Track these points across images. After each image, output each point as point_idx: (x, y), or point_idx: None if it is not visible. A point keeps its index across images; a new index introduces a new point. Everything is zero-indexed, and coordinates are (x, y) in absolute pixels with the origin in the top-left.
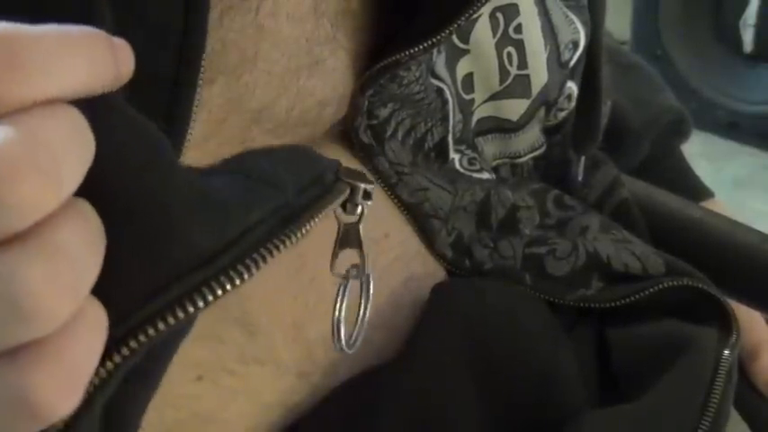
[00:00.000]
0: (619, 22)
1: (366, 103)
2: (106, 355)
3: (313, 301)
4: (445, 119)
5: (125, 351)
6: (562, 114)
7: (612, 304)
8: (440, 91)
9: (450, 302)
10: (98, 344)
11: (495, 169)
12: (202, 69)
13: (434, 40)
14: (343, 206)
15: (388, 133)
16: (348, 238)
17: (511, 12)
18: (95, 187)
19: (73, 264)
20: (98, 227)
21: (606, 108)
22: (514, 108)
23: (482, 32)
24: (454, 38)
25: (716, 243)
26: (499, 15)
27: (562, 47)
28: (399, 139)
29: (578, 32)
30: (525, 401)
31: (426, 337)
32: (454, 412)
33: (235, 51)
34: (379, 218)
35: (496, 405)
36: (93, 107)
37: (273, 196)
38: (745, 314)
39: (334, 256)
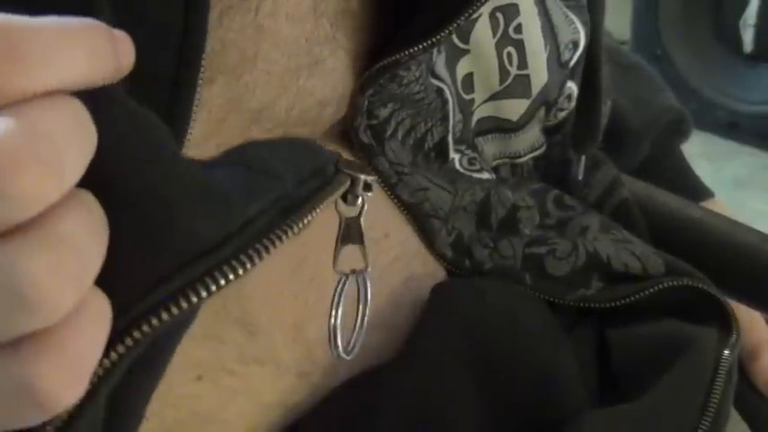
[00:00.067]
0: (619, 22)
1: (366, 102)
2: (110, 346)
3: (313, 300)
4: (445, 119)
5: (129, 342)
6: (562, 114)
7: (612, 304)
8: (440, 91)
9: (450, 302)
10: (102, 334)
11: (495, 169)
12: (202, 69)
13: (434, 39)
14: (344, 198)
15: (388, 133)
16: (349, 233)
17: (511, 12)
18: (97, 178)
19: (76, 254)
20: (101, 218)
21: (606, 108)
22: (514, 108)
23: (482, 32)
24: (454, 38)
25: (716, 243)
26: (499, 15)
27: (562, 47)
28: (399, 138)
29: (578, 32)
30: (525, 401)
31: (426, 337)
32: (454, 412)
33: (234, 51)
34: (380, 218)
35: (496, 405)
36: (94, 99)
37: (274, 187)
38: (745, 314)
39: (337, 252)
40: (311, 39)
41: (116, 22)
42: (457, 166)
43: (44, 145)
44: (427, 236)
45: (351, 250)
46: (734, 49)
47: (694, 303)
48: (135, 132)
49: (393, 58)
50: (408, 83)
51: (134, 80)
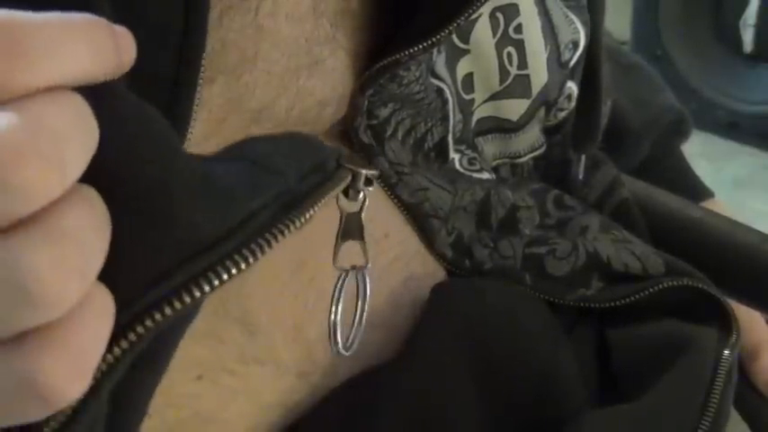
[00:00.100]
0: (619, 22)
1: (366, 102)
2: (113, 341)
3: (313, 300)
4: (445, 119)
5: (132, 337)
6: (562, 114)
7: (612, 304)
8: (440, 91)
9: (450, 302)
10: (105, 329)
11: (495, 169)
12: (203, 69)
13: (434, 39)
14: (346, 193)
15: (388, 133)
16: (350, 229)
17: (511, 12)
18: (99, 174)
19: (79, 249)
20: (103, 213)
21: (606, 108)
22: (514, 108)
23: (482, 32)
24: (454, 38)
25: (716, 243)
26: (499, 15)
27: (562, 47)
28: (399, 138)
29: (578, 32)
30: (525, 401)
31: (426, 337)
32: (454, 412)
33: (234, 51)
34: (379, 218)
35: (496, 405)
36: (96, 95)
37: (276, 182)
38: (745, 314)
39: (337, 247)
40: (311, 39)
41: (116, 21)
42: (457, 166)
43: (46, 140)
44: (427, 236)
45: (351, 246)
46: (734, 49)
47: (694, 303)
48: (136, 128)
49: (393, 58)
50: (408, 83)
51: (134, 79)
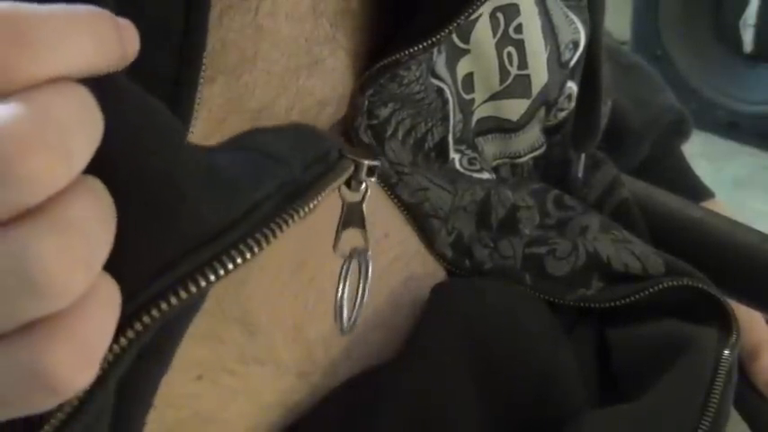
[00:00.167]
0: (619, 22)
1: (366, 102)
2: (119, 332)
3: (313, 300)
4: (445, 119)
5: (138, 327)
6: (562, 114)
7: (612, 304)
8: (440, 91)
9: (450, 302)
10: (112, 319)
11: (496, 169)
12: (203, 68)
13: (434, 39)
14: (348, 184)
15: (389, 133)
16: (351, 217)
17: (511, 12)
18: (104, 165)
19: (85, 239)
20: (109, 203)
21: (606, 108)
22: (514, 108)
23: (482, 32)
24: (454, 38)
25: (716, 243)
26: (499, 15)
27: (562, 47)
28: (399, 138)
29: (579, 32)
30: (525, 401)
31: (426, 337)
32: (454, 412)
33: (234, 51)
34: (379, 218)
35: (496, 405)
36: (100, 86)
37: (280, 172)
38: (745, 314)
39: (338, 235)
40: (311, 38)
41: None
42: (457, 165)
43: (52, 130)
44: (427, 236)
45: (350, 237)
46: (734, 49)
47: (694, 303)
48: (140, 119)
49: (393, 57)
50: (409, 83)
51: (135, 78)
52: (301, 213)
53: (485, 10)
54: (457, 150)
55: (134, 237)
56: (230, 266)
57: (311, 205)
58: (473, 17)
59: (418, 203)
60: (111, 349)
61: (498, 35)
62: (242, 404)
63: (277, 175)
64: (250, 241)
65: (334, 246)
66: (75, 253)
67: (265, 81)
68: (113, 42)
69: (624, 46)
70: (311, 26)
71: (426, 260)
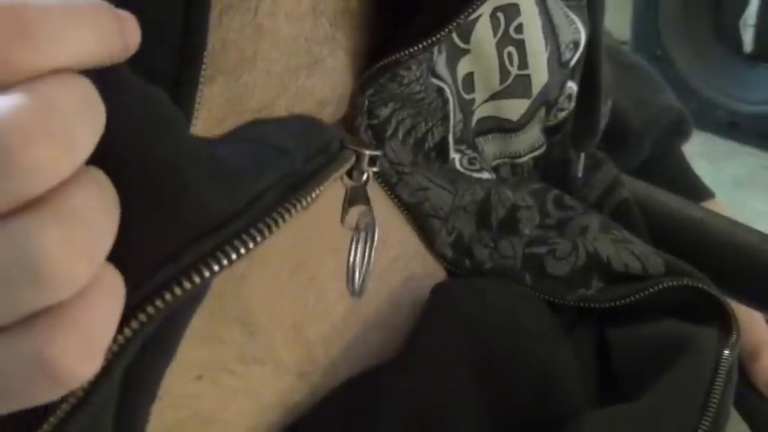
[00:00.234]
0: (619, 22)
1: (366, 102)
2: (124, 322)
3: (313, 300)
4: (446, 118)
5: (143, 317)
6: (562, 114)
7: (612, 304)
8: (440, 90)
9: (450, 302)
10: (116, 310)
11: (496, 169)
12: (204, 67)
13: (434, 38)
14: (350, 174)
15: (389, 133)
16: (356, 197)
17: (512, 12)
18: (106, 155)
19: (88, 229)
20: (112, 194)
21: (606, 108)
22: (515, 108)
23: (483, 32)
24: (455, 37)
25: (716, 243)
26: (500, 15)
27: (563, 47)
28: (400, 138)
29: (579, 32)
30: (525, 401)
31: (426, 337)
32: (454, 412)
33: (234, 51)
34: (379, 217)
35: (496, 405)
36: (102, 78)
37: (282, 163)
38: (745, 314)
39: (344, 212)
40: (310, 38)
41: None
42: (457, 165)
43: (55, 120)
44: (427, 236)
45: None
46: (734, 49)
47: (694, 303)
48: (142, 110)
49: (393, 57)
50: (409, 82)
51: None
52: (304, 203)
53: (485, 10)
54: (457, 150)
55: (137, 227)
56: (234, 256)
57: (313, 195)
58: (473, 17)
59: (418, 203)
60: (115, 340)
61: (499, 35)
62: (242, 404)
63: (279, 166)
64: (253, 231)
65: (342, 220)
66: (79, 243)
67: (265, 81)
68: (115, 34)
69: (624, 46)
70: (311, 25)
71: (426, 260)
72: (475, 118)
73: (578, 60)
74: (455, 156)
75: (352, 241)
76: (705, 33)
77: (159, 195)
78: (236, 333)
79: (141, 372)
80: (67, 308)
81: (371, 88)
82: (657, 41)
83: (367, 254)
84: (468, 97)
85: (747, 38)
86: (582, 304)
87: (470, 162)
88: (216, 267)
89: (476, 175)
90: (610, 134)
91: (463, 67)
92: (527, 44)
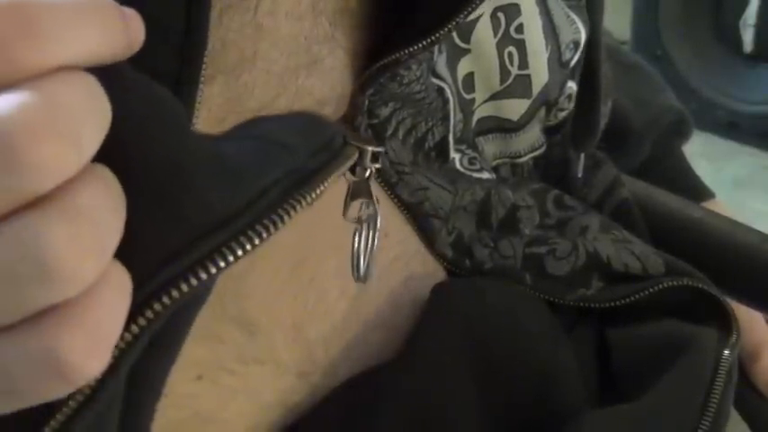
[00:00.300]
0: (619, 22)
1: (366, 102)
2: (131, 319)
3: (313, 300)
4: (446, 118)
5: (149, 314)
6: (562, 114)
7: (612, 304)
8: (441, 90)
9: (450, 302)
10: (123, 307)
11: (496, 169)
12: (204, 66)
13: (434, 38)
14: (353, 171)
15: (389, 132)
16: (359, 191)
17: (512, 12)
18: (111, 154)
19: (96, 226)
20: (118, 191)
21: (607, 108)
22: (515, 108)
23: (483, 32)
24: (455, 37)
25: (716, 243)
26: (500, 15)
27: (563, 47)
28: (400, 138)
29: (579, 32)
30: (525, 401)
31: (426, 337)
32: (454, 412)
33: (234, 51)
34: (379, 215)
35: (496, 405)
36: (106, 75)
37: (286, 159)
38: (745, 314)
39: (346, 206)
40: (310, 37)
41: None
42: (457, 165)
43: (61, 118)
44: (427, 235)
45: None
46: (734, 49)
47: (694, 303)
48: (146, 108)
49: (393, 57)
50: (409, 82)
51: None
52: (308, 199)
53: (485, 10)
54: (457, 150)
55: (142, 225)
56: (239, 252)
57: (318, 191)
58: (473, 17)
59: (418, 203)
60: (122, 337)
61: (499, 35)
62: (242, 404)
63: (283, 162)
64: (258, 227)
65: (344, 213)
66: (86, 240)
67: (265, 80)
68: (119, 31)
69: (624, 46)
70: (310, 25)
71: (426, 260)
72: (475, 118)
73: (578, 60)
74: (455, 155)
75: (355, 232)
76: (705, 33)
77: (163, 193)
78: (235, 333)
79: (147, 369)
80: (75, 305)
81: (371, 88)
82: (657, 41)
83: (371, 240)
84: (468, 97)
85: (747, 38)
86: (582, 304)
87: (470, 162)
88: (222, 264)
89: (476, 174)
90: (610, 134)
91: (463, 66)
92: (527, 44)
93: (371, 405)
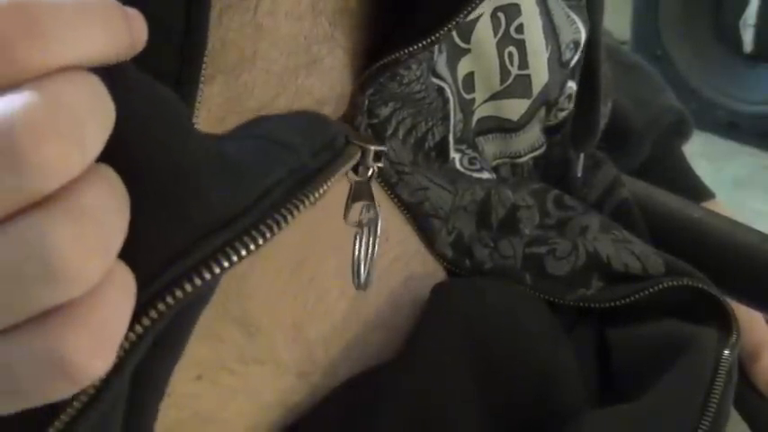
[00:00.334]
0: (619, 22)
1: (366, 102)
2: (135, 319)
3: (313, 300)
4: (446, 118)
5: (154, 314)
6: (563, 114)
7: (612, 304)
8: (441, 90)
9: (450, 302)
10: (128, 306)
11: (496, 169)
12: (204, 66)
13: (433, 37)
14: (356, 170)
15: (389, 132)
16: (360, 193)
17: (512, 11)
18: (115, 154)
19: (100, 226)
20: (122, 191)
21: (607, 108)
22: (515, 108)
23: (483, 32)
24: (455, 37)
25: (716, 243)
26: (500, 15)
27: (563, 47)
28: (400, 138)
29: (580, 32)
30: (525, 401)
31: (426, 337)
32: (454, 412)
33: (234, 50)
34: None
35: (496, 405)
36: (109, 75)
37: (289, 159)
38: (745, 314)
39: (348, 208)
40: (310, 37)
41: None
42: (457, 165)
43: (65, 118)
44: (427, 235)
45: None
46: (734, 49)
47: (694, 303)
48: (149, 108)
49: (392, 56)
50: (409, 82)
51: None
52: (312, 199)
53: (486, 10)
54: (457, 150)
55: (146, 225)
56: (243, 252)
57: (321, 191)
58: (473, 17)
59: (418, 203)
60: (127, 337)
61: (499, 35)
62: (242, 404)
63: (286, 162)
64: (262, 227)
65: (345, 216)
66: (91, 240)
67: (264, 80)
68: (123, 32)
69: (624, 46)
70: (310, 24)
71: (426, 260)
72: (475, 118)
73: (579, 60)
74: (455, 155)
75: (356, 237)
76: (705, 33)
77: (166, 193)
78: (236, 333)
79: (150, 369)
80: (80, 305)
81: (371, 87)
82: (657, 41)
83: (371, 246)
84: (468, 97)
85: (747, 38)
86: (582, 304)
87: (470, 162)
88: (226, 264)
89: (476, 174)
90: (610, 134)
91: (464, 66)
92: (527, 44)
93: (371, 405)
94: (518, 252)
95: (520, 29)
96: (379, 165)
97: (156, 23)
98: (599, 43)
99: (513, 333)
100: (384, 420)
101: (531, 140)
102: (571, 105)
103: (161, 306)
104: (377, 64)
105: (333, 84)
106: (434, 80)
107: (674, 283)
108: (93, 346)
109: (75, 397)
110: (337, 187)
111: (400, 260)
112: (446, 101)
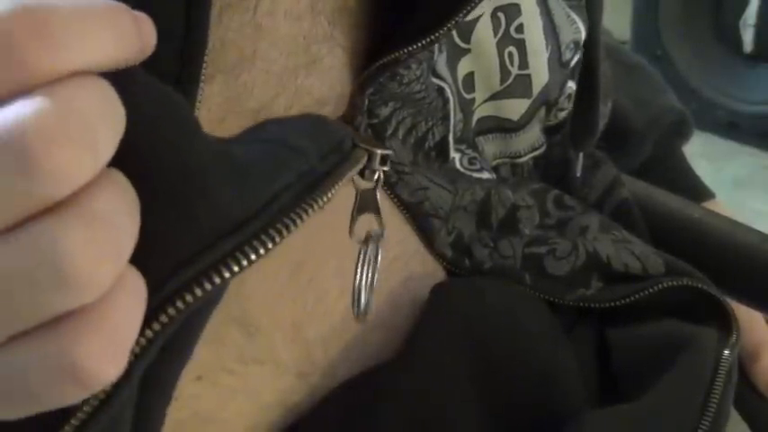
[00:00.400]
0: (619, 21)
1: (366, 101)
2: (146, 324)
3: (312, 301)
4: (446, 118)
5: (164, 319)
6: (562, 114)
7: (612, 304)
8: (441, 90)
9: (449, 302)
10: (139, 311)
11: (496, 169)
12: (204, 65)
13: (433, 37)
14: (362, 174)
15: (389, 132)
16: (365, 204)
17: (512, 11)
18: (125, 158)
19: (112, 231)
20: (133, 197)
21: (606, 108)
22: (515, 108)
23: (483, 32)
24: (455, 37)
25: (716, 243)
26: (501, 15)
27: (563, 47)
28: (400, 138)
29: (580, 32)
30: (525, 401)
31: (426, 337)
32: (454, 412)
33: (233, 50)
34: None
35: (496, 405)
36: (119, 80)
37: (297, 163)
38: (745, 314)
39: (353, 221)
40: (309, 37)
41: None
42: (457, 165)
43: (76, 123)
44: (427, 235)
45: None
46: (734, 49)
47: (694, 303)
48: (159, 112)
49: (392, 56)
50: (409, 82)
51: None
52: (320, 203)
53: (486, 10)
54: (457, 150)
55: (156, 229)
56: (253, 257)
57: (329, 195)
58: (473, 16)
59: (418, 203)
60: (137, 342)
61: (499, 35)
62: (241, 404)
63: (295, 166)
64: (271, 231)
65: (350, 231)
66: (103, 245)
67: (264, 80)
68: (132, 36)
69: (624, 46)
70: (309, 24)
71: (426, 260)
72: (475, 117)
73: (578, 60)
74: (455, 155)
75: (357, 263)
76: (705, 33)
77: (176, 196)
78: (236, 333)
79: (159, 373)
80: (92, 310)
81: (371, 87)
82: (657, 41)
83: (371, 274)
84: (468, 97)
85: (747, 38)
86: (582, 304)
87: (470, 162)
88: (236, 269)
89: (476, 174)
90: (611, 134)
91: (464, 66)
92: (528, 44)
93: (371, 405)
94: (518, 252)
95: (520, 29)
96: (385, 168)
97: (155, 22)
98: (598, 42)
99: (513, 333)
100: (383, 420)
101: (531, 140)
102: (571, 105)
103: (171, 311)
104: (376, 63)
105: (332, 83)
106: (434, 80)
107: (674, 283)
108: (105, 352)
109: (85, 401)
110: (340, 190)
111: (400, 260)
112: (446, 101)
